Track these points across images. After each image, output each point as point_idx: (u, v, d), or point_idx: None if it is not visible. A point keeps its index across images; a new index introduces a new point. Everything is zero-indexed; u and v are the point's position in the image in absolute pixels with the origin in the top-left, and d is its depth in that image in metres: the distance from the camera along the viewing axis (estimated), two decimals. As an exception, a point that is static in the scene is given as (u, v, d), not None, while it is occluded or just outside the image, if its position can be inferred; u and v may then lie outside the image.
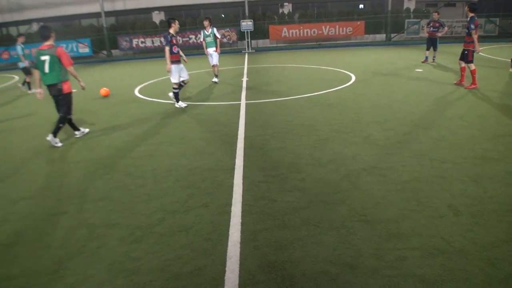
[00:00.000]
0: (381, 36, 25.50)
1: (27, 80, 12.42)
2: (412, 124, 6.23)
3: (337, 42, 24.73)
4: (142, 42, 24.11)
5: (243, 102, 8.49)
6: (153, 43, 24.12)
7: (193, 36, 23.96)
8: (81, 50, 24.21)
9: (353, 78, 11.02)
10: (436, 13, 13.85)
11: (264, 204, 3.69)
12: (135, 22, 25.96)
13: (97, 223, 3.55)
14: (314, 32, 24.18)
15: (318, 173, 4.40)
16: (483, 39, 23.58)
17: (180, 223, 3.45)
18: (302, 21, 24.93)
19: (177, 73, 8.15)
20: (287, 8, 26.64)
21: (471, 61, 8.92)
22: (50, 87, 6.14)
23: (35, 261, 3.02)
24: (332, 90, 9.33)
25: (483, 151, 4.89)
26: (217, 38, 11.01)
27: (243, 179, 4.30)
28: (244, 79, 11.83)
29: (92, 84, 13.10)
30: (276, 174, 4.40)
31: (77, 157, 5.52)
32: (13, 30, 28.08)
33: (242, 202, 3.76)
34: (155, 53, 23.86)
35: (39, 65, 6.07)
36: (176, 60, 8.09)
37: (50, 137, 6.16)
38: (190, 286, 2.61)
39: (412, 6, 27.01)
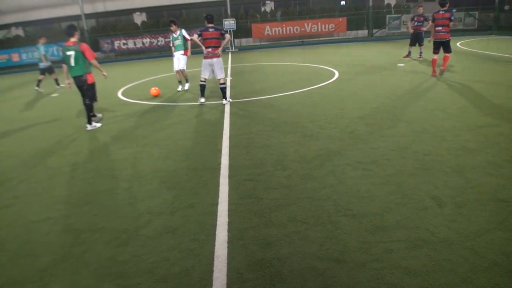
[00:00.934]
0: (363, 32, 25.73)
1: (41, 78, 12.85)
2: (395, 118, 6.30)
3: (320, 39, 24.87)
4: (124, 44, 23.85)
5: (226, 101, 8.47)
6: (135, 44, 23.89)
7: (175, 37, 23.76)
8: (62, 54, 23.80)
9: (337, 74, 11.10)
10: (420, 8, 13.95)
11: (251, 203, 3.70)
12: (116, 23, 25.67)
13: (82, 228, 3.49)
14: (296, 29, 24.27)
15: (303, 169, 4.42)
16: (462, 32, 24.09)
17: (167, 224, 3.43)
18: (285, 19, 24.99)
19: (205, 70, 8.00)
20: (269, 6, 26.67)
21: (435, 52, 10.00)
22: (75, 78, 6.96)
23: (19, 269, 2.97)
24: (316, 87, 9.38)
25: (464, 142, 4.98)
26: (187, 39, 10.07)
27: (228, 178, 4.29)
28: (228, 78, 11.81)
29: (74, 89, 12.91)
30: (262, 172, 4.41)
31: (60, 162, 5.43)
32: (-9, 35, 27.49)
33: (229, 201, 3.75)
34: (138, 54, 23.64)
35: (66, 59, 6.88)
36: (207, 55, 7.89)
37: (89, 127, 7.08)
38: (178, 287, 2.60)
39: (393, 1, 27.31)
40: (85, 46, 6.87)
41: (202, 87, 8.27)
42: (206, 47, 7.87)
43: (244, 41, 25.01)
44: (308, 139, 5.52)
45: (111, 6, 25.43)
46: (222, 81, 8.17)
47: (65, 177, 4.84)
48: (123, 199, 4.02)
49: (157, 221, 3.50)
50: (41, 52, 12.46)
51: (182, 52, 10.10)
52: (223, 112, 7.50)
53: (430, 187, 3.80)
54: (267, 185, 4.06)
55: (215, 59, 7.92)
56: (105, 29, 25.33)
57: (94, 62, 7.00)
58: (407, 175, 4.09)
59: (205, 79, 8.14)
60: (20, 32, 26.72)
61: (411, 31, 13.78)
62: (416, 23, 13.64)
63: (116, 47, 23.98)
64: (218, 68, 8.00)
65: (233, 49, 22.96)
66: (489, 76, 9.48)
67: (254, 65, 14.57)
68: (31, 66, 23.05)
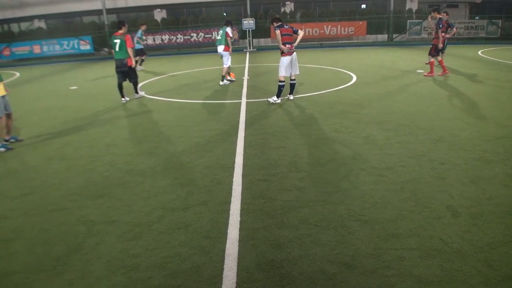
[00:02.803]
0: (383, 37, 25.47)
1: (141, 58, 15.04)
2: (412, 124, 6.23)
3: (339, 42, 24.71)
4: (143, 40, 24.08)
5: (243, 100, 8.49)
6: (154, 40, 24.10)
7: (194, 34, 23.93)
8: (82, 48, 24.20)
9: (354, 78, 11.01)
10: (444, 14, 13.65)
11: (263, 203, 3.70)
12: (137, 19, 25.92)
13: (96, 220, 3.56)
14: (316, 31, 24.17)
15: (317, 172, 4.41)
16: (485, 40, 23.67)
17: (179, 220, 3.46)
18: (304, 21, 24.90)
19: (287, 67, 7.82)
20: (289, 7, 26.61)
21: (433, 55, 10.81)
22: (118, 60, 8.80)
23: (34, 257, 3.03)
24: (333, 90, 9.33)
25: (482, 153, 4.90)
26: (228, 36, 10.26)
27: (242, 178, 4.30)
28: (245, 77, 11.84)
29: (93, 81, 13.13)
30: (276, 173, 4.41)
31: (77, 154, 5.53)
32: (14, 27, 28.08)
33: (241, 200, 3.77)
34: (157, 50, 23.86)
35: (113, 45, 8.79)
36: (288, 52, 7.75)
37: (136, 96, 9.46)
38: (188, 283, 2.62)
39: (414, 6, 26.96)
40: (128, 37, 8.73)
41: (282, 88, 8.02)
42: (284, 43, 7.71)
43: (263, 41, 25.02)
44: (323, 142, 5.50)
45: (132, 2, 25.71)
46: (294, 77, 8.17)
47: (81, 169, 4.92)
48: (137, 194, 4.07)
49: (169, 217, 3.53)
50: (138, 35, 14.86)
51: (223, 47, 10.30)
52: (239, 111, 7.52)
53: (445, 196, 3.75)
54: (280, 186, 4.06)
55: (294, 54, 7.86)
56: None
57: (130, 50, 8.77)
58: (423, 183, 4.04)
59: (284, 77, 7.96)
60: (42, 24, 27.26)
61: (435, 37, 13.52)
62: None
63: (135, 42, 24.22)
64: (296, 64, 7.94)
65: (251, 49, 22.97)
66: (510, 85, 9.29)
67: (271, 66, 14.54)
68: (51, 59, 23.55)
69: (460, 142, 5.32)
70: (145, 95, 9.67)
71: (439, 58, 10.90)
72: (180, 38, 24.02)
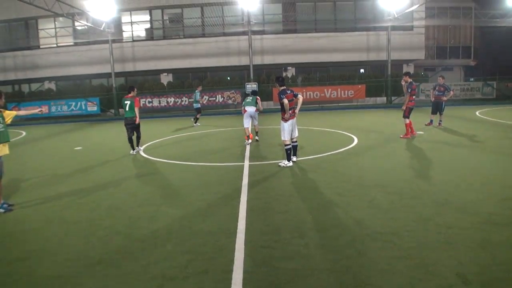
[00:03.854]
0: (381, 99, 26.17)
1: (197, 116, 17.34)
2: (416, 187, 6.19)
3: (339, 104, 25.34)
4: (149, 102, 24.81)
5: (246, 163, 8.52)
6: (159, 103, 24.81)
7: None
8: (89, 109, 24.91)
9: (356, 140, 11.15)
10: (441, 78, 14.23)
11: (266, 272, 3.58)
12: (144, 82, 26.91)
13: (92, 290, 3.42)
14: (316, 95, 24.90)
15: (321, 238, 4.31)
16: (481, 101, 24.28)
17: (179, 290, 3.33)
18: (305, 84, 25.76)
19: (288, 131, 8.04)
20: (290, 71, 27.67)
21: (406, 116, 11.34)
22: (128, 118, 10.27)
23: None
24: (335, 152, 9.40)
25: (489, 216, 4.81)
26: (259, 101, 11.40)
27: (244, 244, 4.19)
28: (248, 140, 11.98)
29: (98, 142, 13.32)
30: (279, 239, 4.31)
31: (76, 217, 5.45)
32: (25, 87, 29.15)
33: (244, 269, 3.64)
34: (162, 112, 24.47)
35: (123, 106, 10.30)
36: (290, 117, 8.02)
37: (137, 150, 10.64)
38: None
39: (411, 70, 28.00)
40: (136, 99, 10.34)
41: (290, 151, 8.15)
42: (289, 109, 7.93)
43: (265, 104, 25.68)
44: (327, 206, 5.44)
45: (140, 66, 26.83)
46: (295, 139, 8.37)
47: (81, 233, 4.83)
48: (136, 260, 3.96)
49: (169, 286, 3.40)
50: (197, 96, 17.09)
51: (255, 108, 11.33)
52: (241, 174, 7.53)
53: (454, 262, 3.63)
54: (284, 254, 3.94)
55: (295, 119, 8.15)
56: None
57: (137, 110, 10.22)
58: (430, 249, 3.93)
59: (288, 141, 8.12)
60: (52, 86, 28.28)
61: (433, 99, 14.01)
62: (437, 92, 13.88)
63: (141, 104, 24.95)
64: (295, 127, 8.25)
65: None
66: (511, 146, 9.35)
67: (274, 128, 14.81)
68: (59, 119, 24.14)
69: (466, 205, 5.24)
70: (141, 152, 10.63)
71: (408, 120, 11.39)
72: (185, 101, 24.73)
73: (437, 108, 13.84)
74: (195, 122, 17.36)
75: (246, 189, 6.40)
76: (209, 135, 14.12)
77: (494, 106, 22.05)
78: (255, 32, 25.26)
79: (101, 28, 23.72)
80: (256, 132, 11.85)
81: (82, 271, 3.79)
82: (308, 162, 8.39)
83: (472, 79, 28.14)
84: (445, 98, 13.67)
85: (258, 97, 11.52)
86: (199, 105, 17.49)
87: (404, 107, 11.35)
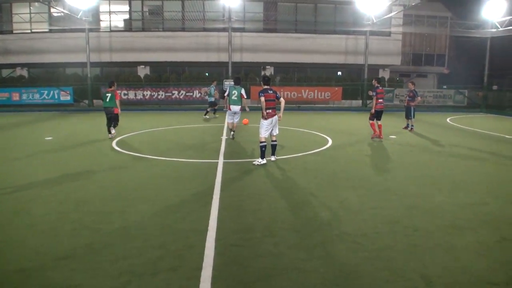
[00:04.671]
0: (357, 102, 26.60)
1: (209, 110, 18.11)
2: (386, 190, 6.33)
3: (316, 105, 25.59)
4: (125, 94, 24.31)
5: (220, 160, 8.50)
6: (135, 96, 24.38)
7: (176, 92, 24.40)
8: (62, 98, 24.21)
9: (330, 141, 11.29)
10: (411, 83, 14.63)
11: (236, 270, 3.58)
12: (120, 74, 26.36)
13: (57, 284, 3.34)
14: (294, 95, 25.05)
15: (292, 238, 4.35)
16: (453, 108, 25.09)
17: (147, 287, 3.28)
18: (283, 84, 25.87)
19: (267, 129, 8.10)
20: (269, 70, 27.73)
21: (371, 119, 11.98)
22: (107, 108, 11.62)
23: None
24: (310, 153, 9.50)
25: (454, 220, 4.99)
26: (243, 97, 11.43)
27: (215, 242, 4.18)
28: (224, 137, 11.96)
29: (70, 133, 12.97)
30: (250, 238, 4.32)
31: (43, 210, 5.30)
32: (-5, 73, 28.06)
33: (213, 267, 3.63)
34: (138, 106, 24.05)
35: (104, 98, 11.70)
36: (269, 115, 8.07)
37: (110, 135, 11.72)
38: None
39: (386, 75, 28.58)
40: (116, 92, 11.72)
41: (264, 149, 8.21)
42: (267, 108, 8.03)
43: (243, 101, 25.66)
44: (299, 206, 5.49)
45: (117, 57, 26.27)
46: (275, 138, 8.43)
47: (47, 226, 4.70)
48: (104, 255, 3.88)
49: (137, 282, 3.36)
50: (211, 91, 17.81)
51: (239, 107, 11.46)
52: (215, 171, 7.50)
53: (419, 265, 3.74)
54: (254, 252, 3.96)
55: (275, 117, 8.18)
56: (108, 79, 25.96)
57: (117, 101, 11.59)
58: (397, 251, 4.03)
59: (265, 139, 8.23)
60: (24, 72, 27.34)
61: (405, 104, 14.46)
62: (408, 98, 14.29)
63: (207, 96, 24.41)
64: (276, 125, 8.30)
65: (211, 109, 23.50)
66: (478, 153, 9.71)
67: (250, 126, 14.81)
68: (30, 107, 23.38)
69: (433, 209, 5.41)
70: (112, 137, 11.55)
71: (371, 121, 12.03)
72: (162, 95, 24.40)
73: (407, 113, 14.32)
74: (205, 115, 18.14)
75: (219, 187, 6.38)
76: (184, 130, 13.99)
77: (464, 114, 22.81)
78: (235, 29, 25.18)
79: (78, 16, 23.05)
80: (233, 131, 11.70)
81: (47, 265, 3.69)
82: (283, 162, 8.44)
83: (445, 87, 29.01)
84: (412, 103, 14.12)
85: (243, 91, 11.40)
86: (213, 99, 18.05)
87: (373, 110, 11.87)
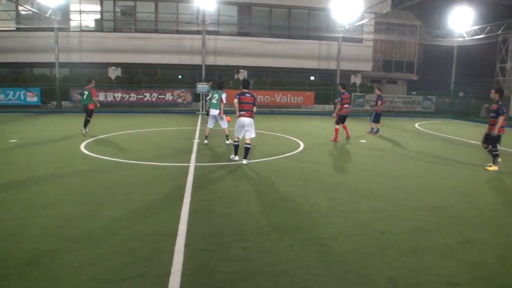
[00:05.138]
0: (329, 107, 26.96)
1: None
2: (356, 193, 6.45)
3: (289, 110, 25.79)
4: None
5: (192, 164, 8.42)
6: (106, 97, 23.85)
7: (147, 94, 24.06)
8: (29, 99, 23.34)
9: (302, 145, 11.40)
10: (377, 89, 15.49)
11: (205, 275, 3.55)
12: (90, 75, 25.66)
13: (17, 293, 3.21)
14: (267, 99, 25.16)
15: (262, 242, 4.36)
16: (421, 114, 25.89)
17: (112, 294, 3.21)
18: (256, 88, 25.94)
19: (239, 129, 8.48)
20: (242, 74, 27.77)
21: (337, 123, 12.41)
22: (84, 105, 12.67)
23: None
24: (281, 157, 9.55)
25: (420, 222, 5.14)
26: (222, 102, 11.13)
27: (184, 247, 4.13)
28: (195, 140, 11.87)
29: (36, 136, 12.55)
30: (220, 242, 4.30)
31: (6, 215, 5.09)
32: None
33: (182, 272, 3.58)
34: (108, 108, 23.53)
35: (82, 94, 12.83)
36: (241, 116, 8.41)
37: (84, 131, 12.50)
38: None
39: (358, 81, 29.18)
40: (93, 90, 12.60)
41: (236, 147, 8.75)
42: (240, 110, 8.40)
43: (216, 105, 25.58)
44: (269, 209, 5.51)
45: (87, 58, 25.63)
46: (248, 141, 8.60)
47: (9, 232, 4.51)
48: (69, 262, 3.76)
49: (102, 290, 3.27)
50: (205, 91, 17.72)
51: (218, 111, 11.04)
52: (186, 175, 7.42)
53: (385, 267, 3.82)
54: (224, 257, 3.94)
55: (248, 120, 8.46)
56: (78, 80, 25.31)
57: (95, 98, 12.69)
58: (364, 254, 4.11)
59: (239, 138, 8.65)
60: (-12, 73, 26.27)
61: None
62: (375, 103, 14.87)
63: (76, 98, 23.82)
64: (251, 129, 8.56)
65: (204, 112, 23.35)
66: (443, 157, 10.03)
67: (221, 129, 14.77)
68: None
69: (400, 212, 5.55)
70: (85, 134, 11.87)
71: (337, 126, 12.46)
72: (133, 97, 23.98)
73: (374, 117, 15.00)
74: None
75: (189, 191, 6.31)
76: (155, 133, 13.80)
77: (432, 119, 23.57)
78: (209, 32, 25.08)
79: (47, 15, 22.38)
80: (226, 136, 11.46)
81: (8, 272, 3.54)
82: (254, 165, 8.46)
83: (414, 93, 29.93)
84: (375, 108, 14.83)
85: (224, 96, 11.20)
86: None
87: (334, 114, 12.50)
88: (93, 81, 13.08)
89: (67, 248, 4.09)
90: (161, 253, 3.99)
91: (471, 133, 16.45)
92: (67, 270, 3.61)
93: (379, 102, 14.86)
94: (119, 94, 23.96)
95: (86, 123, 12.62)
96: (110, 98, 23.90)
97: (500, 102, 8.45)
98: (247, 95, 8.54)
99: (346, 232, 4.72)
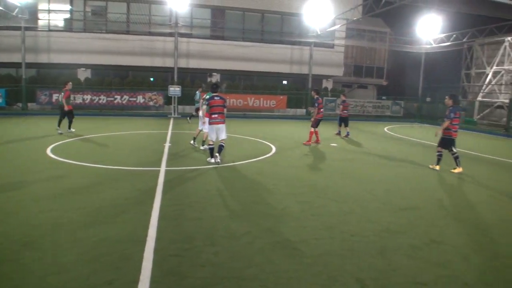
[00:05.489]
0: (301, 111, 27.29)
1: (194, 114, 17.70)
2: (325, 196, 6.54)
3: (261, 113, 25.90)
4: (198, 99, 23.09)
5: (163, 168, 8.30)
6: (75, 99, 23.18)
7: (118, 97, 23.60)
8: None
9: (274, 149, 11.46)
10: (342, 95, 16.74)
11: (174, 281, 3.51)
12: (59, 76, 24.97)
13: (-24, 305, 3.07)
14: (240, 102, 25.19)
15: (232, 246, 4.35)
16: (390, 118, 26.59)
17: (78, 303, 3.12)
18: (229, 91, 25.94)
19: (213, 133, 8.81)
20: (215, 77, 27.68)
21: (314, 126, 12.74)
22: (61, 106, 13.42)
23: None
24: (253, 160, 9.58)
25: (388, 224, 5.27)
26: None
27: (154, 253, 4.07)
28: (167, 144, 11.73)
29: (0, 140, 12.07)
30: (190, 247, 4.26)
31: (-35, 223, 4.87)
32: None
33: (151, 278, 3.53)
34: (77, 110, 22.84)
35: (61, 97, 13.46)
36: (214, 121, 8.70)
37: (61, 130, 13.28)
38: None
39: (329, 85, 29.65)
40: (67, 92, 13.40)
41: (212, 150, 8.99)
42: (212, 114, 8.64)
43: (188, 108, 25.35)
44: (240, 214, 5.51)
45: (55, 59, 24.87)
46: (223, 142, 8.93)
47: (-32, 241, 4.31)
48: (32, 272, 3.63)
49: (67, 299, 3.18)
50: (196, 96, 17.50)
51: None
52: (157, 179, 7.31)
53: (354, 268, 3.89)
54: (194, 262, 3.90)
55: (221, 125, 8.77)
56: (45, 81, 24.54)
57: (64, 100, 13.24)
58: (334, 256, 4.18)
59: (213, 142, 8.95)
60: None
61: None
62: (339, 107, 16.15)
63: (54, 100, 23.12)
64: (223, 131, 8.86)
65: (176, 115, 23.12)
66: (411, 160, 10.33)
67: (194, 133, 14.66)
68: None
69: (368, 214, 5.68)
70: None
71: (313, 129, 12.82)
72: (103, 99, 23.46)
73: (341, 120, 15.76)
74: (189, 118, 19.41)
75: (160, 195, 6.22)
76: (126, 137, 13.54)
77: (400, 123, 24.24)
78: (182, 35, 24.88)
79: (14, 13, 21.59)
80: (203, 141, 11.18)
81: (-35, 284, 3.39)
82: (226, 169, 8.44)
83: (384, 98, 30.72)
84: (337, 111, 15.74)
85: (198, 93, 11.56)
86: (199, 105, 18.13)
87: (312, 119, 12.84)
88: (69, 83, 13.71)
89: (31, 256, 3.95)
90: (129, 260, 3.91)
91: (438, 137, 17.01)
92: (30, 280, 3.48)
93: (341, 107, 15.76)
94: (89, 96, 23.39)
95: (63, 122, 13.56)
96: (79, 101, 23.28)
97: (451, 108, 8.89)
98: (216, 98, 8.75)
99: (317, 235, 4.78)
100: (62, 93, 13.34)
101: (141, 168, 8.32)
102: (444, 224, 5.46)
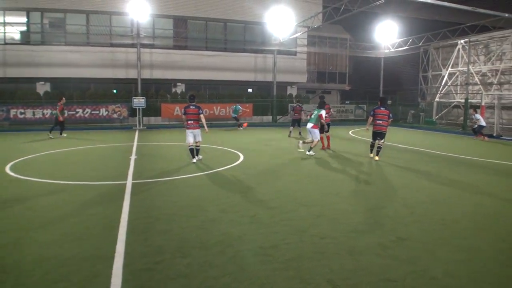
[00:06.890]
0: (268, 118, 27.52)
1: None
2: (295, 201, 6.62)
3: (228, 122, 25.90)
4: (21, 113, 22.20)
5: (129, 182, 8.11)
6: (34, 114, 22.37)
7: (80, 110, 22.95)
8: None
9: (242, 157, 11.48)
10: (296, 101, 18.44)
11: (145, 295, 3.45)
12: (16, 91, 23.99)
13: None
14: (206, 112, 25.04)
15: (204, 256, 4.32)
16: (353, 122, 27.28)
17: (44, 325, 3.00)
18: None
19: (191, 137, 10.17)
20: (180, 88, 27.47)
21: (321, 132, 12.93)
22: (56, 118, 16.66)
23: None
24: (221, 169, 9.54)
25: (356, 225, 5.40)
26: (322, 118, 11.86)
27: (123, 268, 3.97)
28: (133, 157, 11.50)
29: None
30: (160, 260, 4.19)
31: None
32: None
33: (121, 294, 3.45)
34: (36, 125, 22.06)
35: (56, 111, 16.59)
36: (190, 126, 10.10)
37: (52, 135, 16.32)
38: None
39: (294, 92, 30.10)
40: (61, 106, 16.58)
41: (191, 150, 10.39)
42: (188, 120, 10.08)
43: (153, 120, 25.00)
44: (210, 223, 5.47)
45: (12, 73, 23.87)
46: (199, 144, 10.46)
47: None
48: (-7, 296, 3.47)
49: (32, 322, 3.05)
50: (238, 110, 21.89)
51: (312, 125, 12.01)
52: (123, 193, 7.15)
53: (326, 270, 3.96)
54: (165, 275, 3.84)
55: (197, 130, 10.18)
56: (1, 96, 23.51)
57: (59, 113, 16.42)
58: (305, 259, 4.23)
59: (191, 144, 10.26)
60: None
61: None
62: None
63: (11, 115, 22.19)
64: (198, 135, 10.26)
65: (141, 127, 22.73)
66: (374, 161, 10.64)
67: (160, 145, 14.48)
68: None
69: (337, 216, 5.80)
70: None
71: (322, 135, 13.22)
72: (64, 113, 22.70)
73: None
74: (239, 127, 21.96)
75: (127, 209, 6.08)
76: (89, 151, 13.15)
77: (364, 127, 24.80)
78: (144, 45, 24.56)
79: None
80: (310, 148, 11.92)
81: None
82: (193, 180, 8.37)
83: (347, 102, 31.53)
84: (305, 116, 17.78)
85: (324, 111, 11.99)
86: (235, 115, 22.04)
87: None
88: (63, 98, 17.14)
89: (-9, 280, 3.76)
90: (97, 277, 3.80)
91: (399, 137, 17.64)
92: (-9, 304, 3.32)
93: (292, 112, 17.61)
94: (49, 111, 22.57)
95: (57, 129, 16.79)
96: (38, 115, 22.47)
97: (375, 107, 11.39)
98: (191, 107, 10.15)
99: (288, 239, 4.82)
100: (57, 107, 16.50)
101: (107, 183, 8.10)
102: (409, 222, 5.64)
